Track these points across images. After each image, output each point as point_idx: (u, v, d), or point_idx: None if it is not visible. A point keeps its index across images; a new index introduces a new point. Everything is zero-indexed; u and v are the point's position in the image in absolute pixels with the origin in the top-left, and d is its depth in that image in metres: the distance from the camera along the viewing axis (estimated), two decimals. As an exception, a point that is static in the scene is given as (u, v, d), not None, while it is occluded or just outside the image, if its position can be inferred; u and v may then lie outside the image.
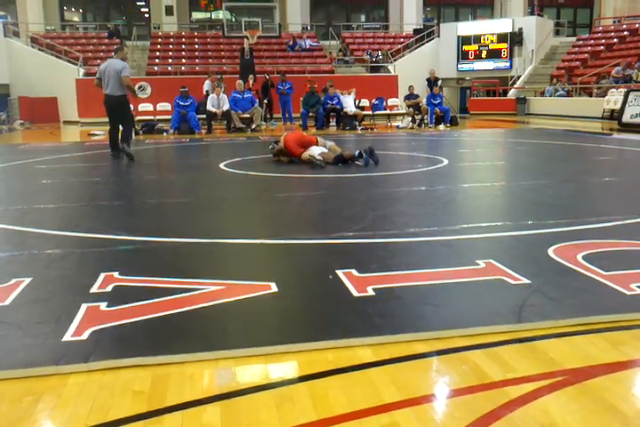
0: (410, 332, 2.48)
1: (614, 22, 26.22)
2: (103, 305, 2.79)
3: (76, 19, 29.60)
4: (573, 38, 25.63)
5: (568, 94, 20.40)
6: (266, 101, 17.19)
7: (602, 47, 23.27)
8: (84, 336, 2.45)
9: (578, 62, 22.91)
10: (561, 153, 9.79)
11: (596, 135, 13.01)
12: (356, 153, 7.91)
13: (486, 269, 3.26)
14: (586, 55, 23.20)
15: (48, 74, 21.16)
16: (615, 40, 23.25)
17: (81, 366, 2.23)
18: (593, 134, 13.17)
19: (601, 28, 25.81)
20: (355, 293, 2.91)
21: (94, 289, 3.03)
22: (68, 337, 2.45)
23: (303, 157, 8.08)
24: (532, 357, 2.27)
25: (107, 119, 9.54)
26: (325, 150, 8.14)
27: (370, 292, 2.91)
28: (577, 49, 24.04)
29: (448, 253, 3.69)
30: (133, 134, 9.62)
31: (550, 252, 3.55)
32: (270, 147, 8.64)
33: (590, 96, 19.51)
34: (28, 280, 3.19)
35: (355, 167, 7.72)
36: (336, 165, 7.91)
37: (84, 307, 2.77)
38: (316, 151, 8.06)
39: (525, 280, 3.05)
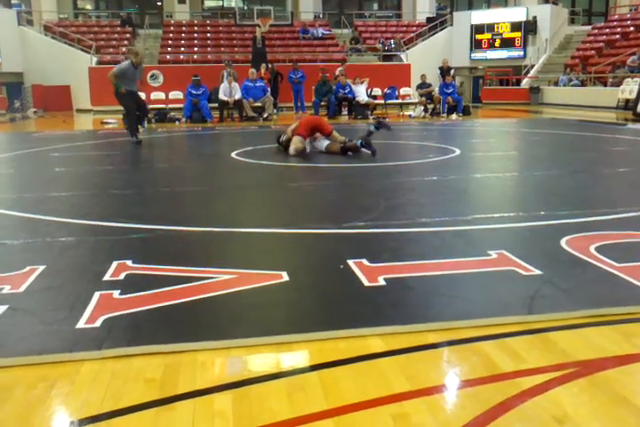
0: (421, 322, 2.48)
1: (630, 10, 25.88)
2: (116, 293, 2.81)
3: (88, 7, 29.63)
4: (588, 27, 25.32)
5: (582, 84, 20.20)
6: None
7: (617, 36, 22.99)
8: (97, 324, 2.47)
9: (592, 51, 22.66)
10: (574, 143, 9.71)
11: (610, 125, 12.89)
12: (358, 143, 7.86)
13: (498, 260, 3.25)
14: (601, 44, 22.93)
15: (61, 62, 21.21)
16: (631, 28, 22.95)
17: (94, 353, 2.25)
18: (607, 124, 13.05)
19: (617, 16, 25.48)
20: (366, 282, 2.91)
21: (107, 277, 3.05)
22: (81, 324, 2.47)
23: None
24: (543, 348, 2.26)
25: (119, 108, 10.70)
26: (328, 142, 8.16)
27: (381, 282, 2.92)
28: (592, 38, 23.77)
29: (460, 244, 3.68)
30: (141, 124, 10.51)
31: (563, 243, 3.53)
32: (279, 138, 8.61)
33: (605, 86, 19.31)
34: (41, 268, 3.22)
35: (366, 157, 7.69)
36: (345, 154, 7.91)
37: (97, 295, 2.79)
38: (324, 144, 8.13)
39: (537, 271, 3.04)
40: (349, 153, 7.93)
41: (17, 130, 14.68)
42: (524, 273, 3.03)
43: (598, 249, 3.39)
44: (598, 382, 2.01)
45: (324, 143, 8.21)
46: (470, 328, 2.43)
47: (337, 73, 17.30)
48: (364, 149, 7.83)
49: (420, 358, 2.21)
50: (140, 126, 10.06)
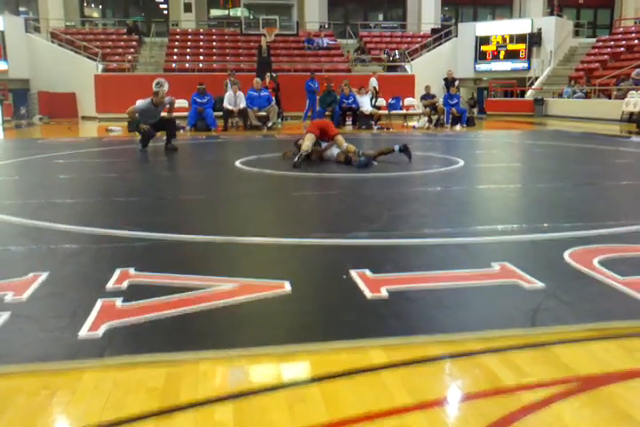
0: (423, 334, 2.47)
1: (635, 23, 25.98)
2: (119, 301, 2.81)
3: (95, 15, 29.84)
4: (593, 39, 25.44)
5: (586, 96, 20.24)
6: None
7: (622, 49, 23.08)
8: (100, 332, 2.47)
9: (597, 64, 22.73)
10: (578, 155, 9.71)
11: (613, 138, 12.90)
12: (360, 155, 7.84)
13: (501, 272, 3.24)
14: (605, 57, 23.01)
15: (67, 69, 21.36)
16: (636, 41, 23.04)
17: (96, 361, 2.25)
18: (611, 137, 13.06)
19: (621, 29, 25.59)
20: (368, 294, 2.91)
21: (110, 285, 3.05)
22: (83, 332, 2.47)
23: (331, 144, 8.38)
24: (545, 362, 2.25)
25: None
26: (339, 151, 8.22)
27: (383, 293, 2.91)
28: (596, 50, 23.86)
29: (463, 256, 3.68)
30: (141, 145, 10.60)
31: (566, 256, 3.52)
32: (297, 142, 8.69)
33: (609, 98, 19.34)
34: (44, 275, 3.22)
35: (369, 167, 7.69)
36: (349, 164, 7.91)
37: (99, 302, 2.79)
38: (335, 153, 8.20)
39: (540, 284, 3.03)
40: (353, 163, 7.93)
41: (22, 136, 14.75)
42: (526, 286, 3.02)
43: (602, 262, 3.38)
44: (601, 397, 2.00)
45: (335, 152, 8.31)
46: (472, 341, 2.42)
47: (371, 83, 17.41)
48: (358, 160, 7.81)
49: (421, 370, 2.21)
50: (167, 144, 10.37)
